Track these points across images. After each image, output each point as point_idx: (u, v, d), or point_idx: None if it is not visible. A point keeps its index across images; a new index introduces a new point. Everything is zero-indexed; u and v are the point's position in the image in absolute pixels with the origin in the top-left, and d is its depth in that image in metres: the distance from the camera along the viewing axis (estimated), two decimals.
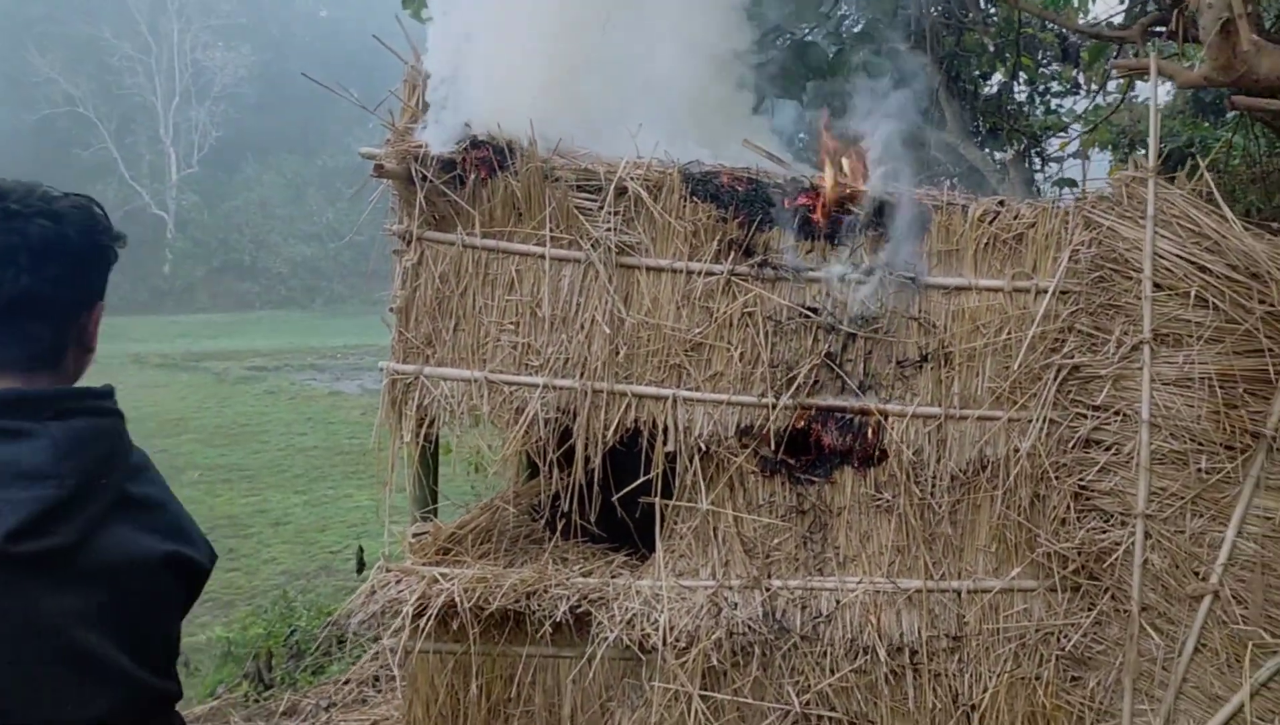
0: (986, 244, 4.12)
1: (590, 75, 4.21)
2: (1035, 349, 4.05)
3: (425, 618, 4.02)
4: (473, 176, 4.09)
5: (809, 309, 4.12)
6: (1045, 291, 4.06)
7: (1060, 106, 11.87)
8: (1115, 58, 8.72)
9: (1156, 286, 3.95)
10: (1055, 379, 4.04)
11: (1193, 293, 3.90)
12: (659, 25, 4.48)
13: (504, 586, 4.10)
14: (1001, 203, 4.15)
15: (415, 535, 4.39)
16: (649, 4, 4.49)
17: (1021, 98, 10.93)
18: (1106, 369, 3.98)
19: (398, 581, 4.18)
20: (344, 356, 26.86)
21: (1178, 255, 3.93)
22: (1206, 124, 10.72)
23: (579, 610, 4.09)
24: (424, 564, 4.26)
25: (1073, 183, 11.95)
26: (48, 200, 1.49)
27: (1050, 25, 8.18)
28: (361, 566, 8.73)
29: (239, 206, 43.62)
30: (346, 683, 6.23)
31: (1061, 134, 12.27)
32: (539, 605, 4.09)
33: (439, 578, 4.14)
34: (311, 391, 21.62)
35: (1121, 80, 7.78)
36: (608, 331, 4.14)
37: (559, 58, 4.15)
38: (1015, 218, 4.11)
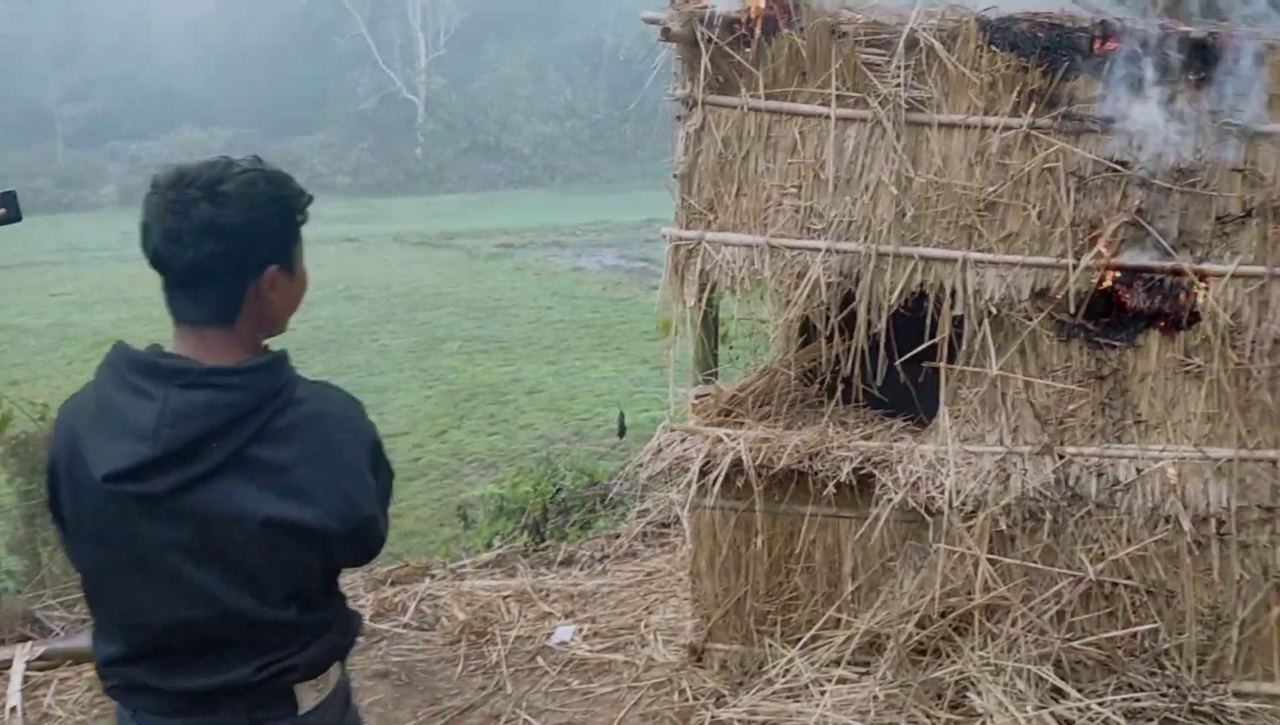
0: None
1: None
2: None
3: (712, 475, 4.15)
4: (758, 34, 4.02)
5: (1118, 163, 3.86)
6: None
7: None
8: None
9: None
10: None
11: None
12: None
13: (787, 447, 4.16)
14: None
15: (698, 397, 4.50)
16: None
17: None
18: None
19: (682, 441, 4.31)
20: (583, 233, 27.54)
21: None
22: None
23: (862, 472, 4.11)
24: (708, 424, 4.38)
25: None
26: (215, 182, 1.68)
27: None
28: (623, 431, 9.09)
29: (484, 88, 44.90)
30: (617, 537, 6.55)
31: None
32: (822, 466, 4.13)
33: (724, 438, 4.25)
34: (555, 267, 22.39)
35: None
36: (894, 192, 4.03)
37: None
38: None
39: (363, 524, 1.80)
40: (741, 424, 4.42)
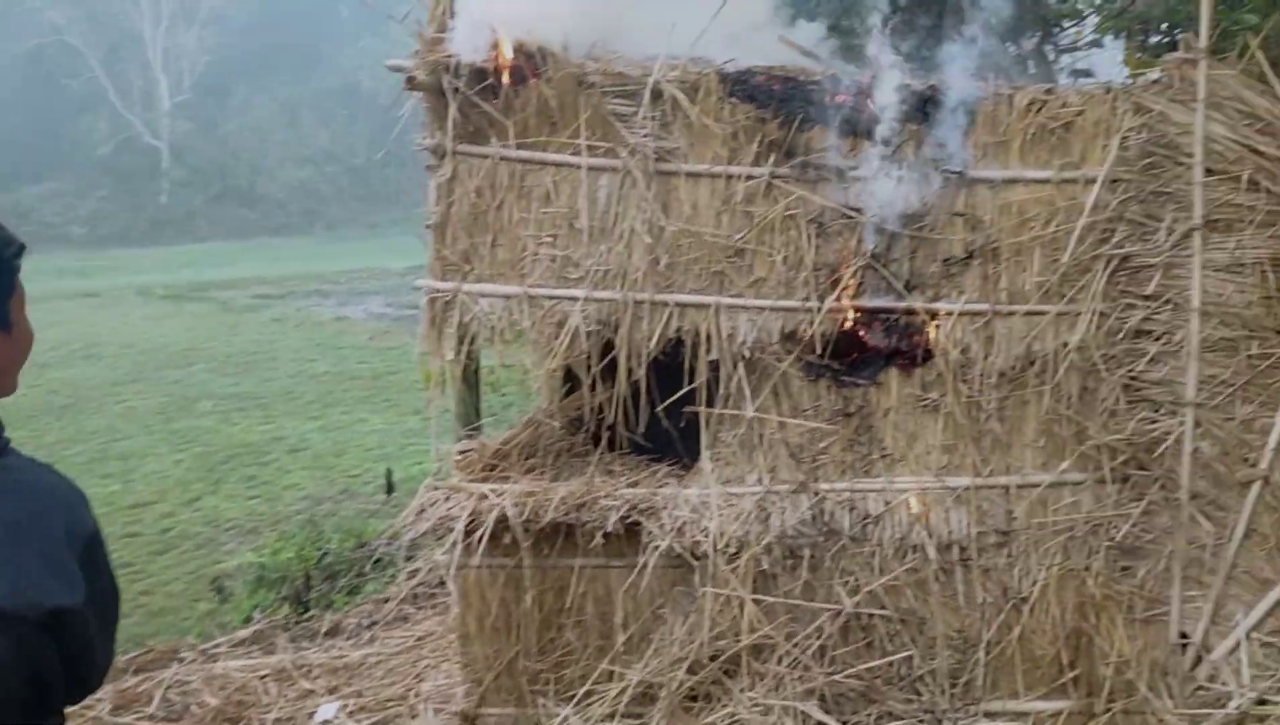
0: (1034, 134, 4.04)
1: None
2: (1084, 240, 3.99)
3: (478, 533, 4.04)
4: (506, 85, 3.98)
5: (852, 209, 4.05)
6: (1094, 181, 3.98)
7: None
8: None
9: (1208, 171, 3.87)
10: (1105, 270, 3.98)
11: (1245, 177, 3.83)
12: None
13: (553, 500, 4.10)
14: (1049, 90, 4.05)
15: (462, 453, 4.38)
16: None
17: None
18: (1157, 258, 3.93)
19: (447, 499, 4.18)
20: (347, 281, 26.72)
21: (1230, 138, 3.85)
22: (1223, 6, 10.48)
23: (629, 520, 4.10)
24: (472, 480, 4.26)
25: (1089, 73, 11.73)
26: None
27: None
28: (391, 488, 8.78)
29: (234, 132, 42.97)
30: (387, 601, 6.29)
31: (1077, 23, 11.99)
32: (589, 517, 4.10)
33: (489, 494, 4.14)
34: (318, 317, 21.55)
35: None
36: (648, 241, 4.08)
37: None
38: (1063, 106, 4.02)
39: (52, 617, 1.46)
40: (507, 478, 4.33)
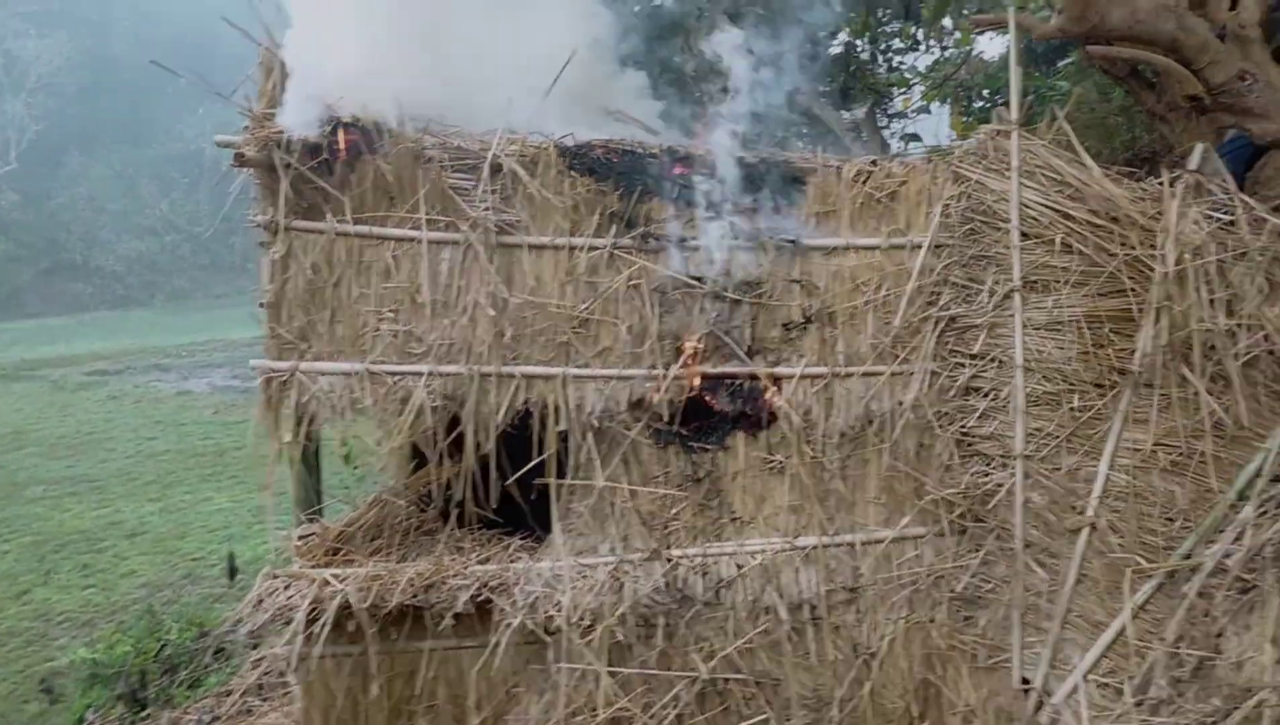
0: (862, 203, 4.19)
1: (458, 50, 4.07)
2: (914, 303, 4.15)
3: (320, 622, 3.88)
4: (341, 160, 3.91)
5: (694, 278, 4.12)
6: (920, 247, 4.15)
7: (902, 64, 12.22)
8: (960, 13, 8.99)
9: (1024, 235, 4.08)
10: (934, 331, 4.14)
11: (1058, 240, 4.04)
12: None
13: (400, 582, 3.98)
14: (874, 162, 4.23)
15: (302, 537, 4.22)
16: None
17: (865, 56, 11.18)
18: (981, 318, 4.11)
19: (286, 587, 4.01)
20: (190, 354, 25.68)
21: (1042, 204, 4.08)
22: (1039, 74, 11.18)
23: (479, 599, 4.01)
24: (313, 566, 4.10)
25: (918, 137, 12.34)
26: None
27: None
28: (234, 573, 8.38)
29: (65, 203, 41.05)
30: (229, 694, 5.98)
31: (905, 91, 12.62)
32: (438, 597, 3.99)
33: (331, 580, 3.99)
34: (158, 393, 20.61)
35: (960, 36, 8.02)
36: (491, 313, 4.04)
37: (425, 33, 4.00)
38: (887, 176, 4.19)
39: None
40: (351, 562, 4.19)
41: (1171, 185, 4.07)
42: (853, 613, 4.21)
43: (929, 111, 14.26)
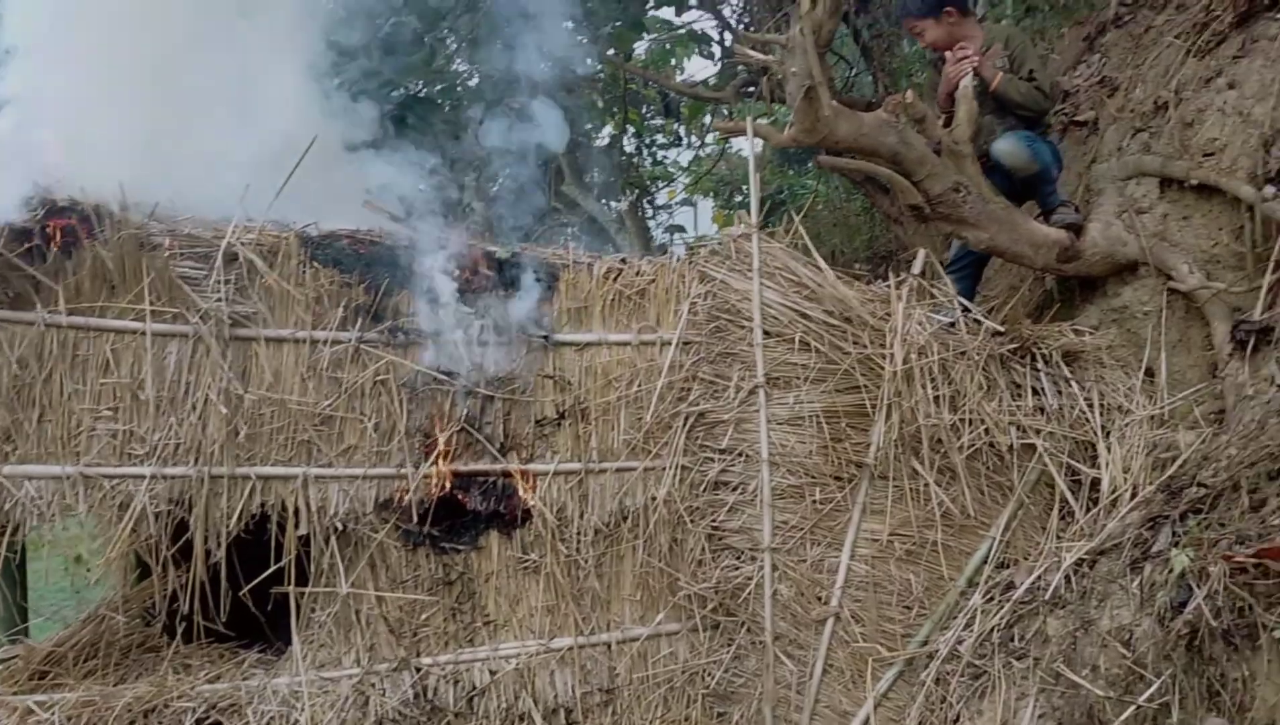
0: (613, 300, 4.24)
1: (191, 133, 3.87)
2: (664, 399, 4.20)
3: None
4: (55, 248, 3.61)
5: (444, 373, 4.02)
6: (669, 343, 4.22)
7: (666, 158, 12.70)
8: (712, 115, 9.43)
9: (766, 333, 4.22)
10: (684, 426, 4.20)
11: (797, 338, 4.21)
12: (267, 79, 4.22)
13: (116, 708, 3.62)
14: (624, 260, 4.29)
15: (2, 661, 3.77)
16: (253, 61, 4.22)
17: (630, 149, 11.56)
18: (728, 413, 4.20)
19: None
20: None
21: (782, 304, 4.24)
22: (792, 172, 11.87)
23: (207, 722, 3.69)
24: (15, 693, 3.67)
25: (681, 229, 12.80)
26: None
27: (652, 83, 8.68)
28: None
29: None
30: None
31: (668, 184, 13.10)
32: (160, 723, 3.64)
33: (35, 708, 3.58)
34: None
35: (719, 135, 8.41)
36: (224, 411, 3.80)
37: (157, 111, 3.78)
38: (637, 274, 4.26)
39: None
40: (61, 686, 3.77)
41: (898, 288, 4.33)
42: (609, 715, 4.13)
43: (692, 204, 14.84)
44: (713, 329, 4.26)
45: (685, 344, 4.25)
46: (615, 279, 4.23)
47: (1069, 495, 4.21)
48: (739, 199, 13.03)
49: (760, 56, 4.29)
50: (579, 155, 10.33)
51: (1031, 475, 4.28)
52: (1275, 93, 4.18)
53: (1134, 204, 4.50)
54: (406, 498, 3.98)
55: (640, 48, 10.25)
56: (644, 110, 11.27)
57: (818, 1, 3.94)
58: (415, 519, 4.00)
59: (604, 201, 10.73)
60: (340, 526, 3.95)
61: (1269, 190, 4.02)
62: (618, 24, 6.91)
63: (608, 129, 10.78)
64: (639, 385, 4.20)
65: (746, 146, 4.36)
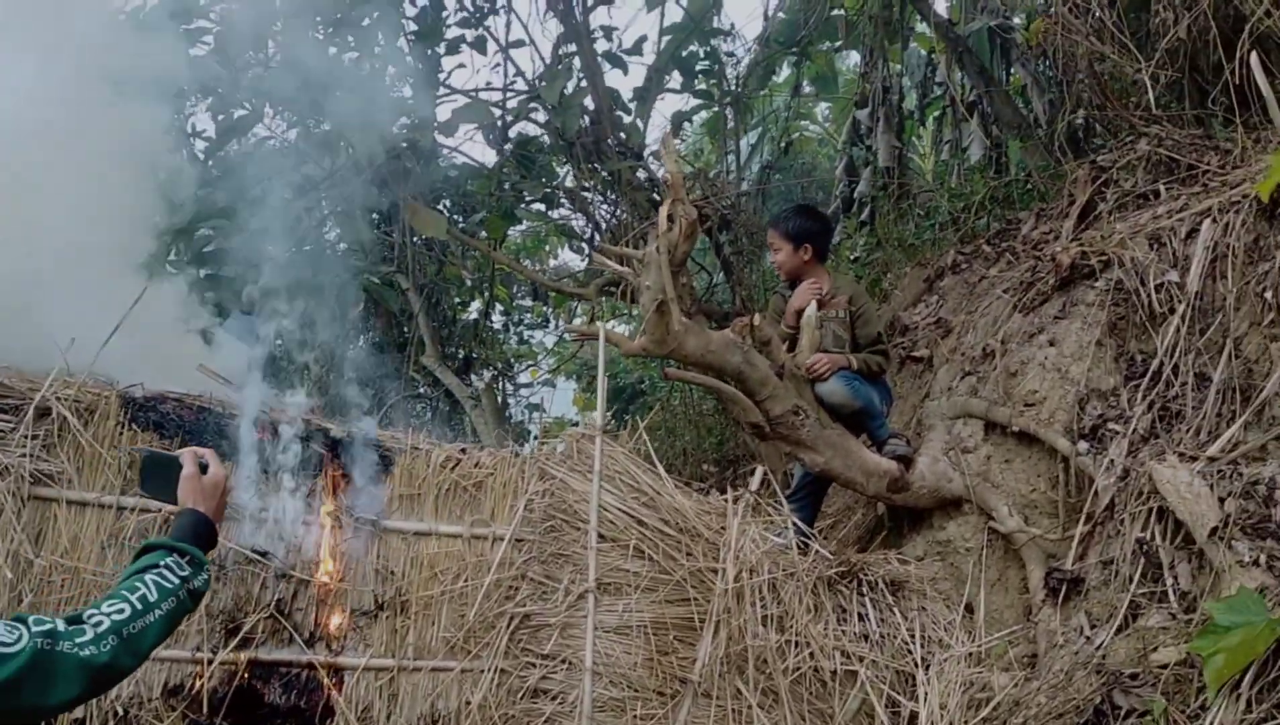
0: (448, 489, 4.14)
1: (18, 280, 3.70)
2: (491, 597, 4.06)
3: None
4: None
5: (258, 552, 3.81)
6: (502, 539, 4.12)
7: (532, 337, 12.78)
8: (577, 306, 9.60)
9: (601, 537, 4.18)
10: (508, 627, 4.06)
11: (631, 544, 4.17)
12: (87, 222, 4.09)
13: None
14: (464, 450, 4.22)
15: None
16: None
17: (498, 326, 11.61)
18: (555, 617, 4.09)
19: None
20: None
21: (619, 508, 4.22)
22: (653, 364, 12.08)
23: None
24: None
25: (540, 408, 12.77)
26: None
27: (516, 275, 8.82)
28: None
29: None
30: None
31: (532, 363, 13.16)
32: None
33: None
34: None
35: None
36: (9, 575, 3.50)
37: None
38: (476, 466, 4.19)
39: None
40: None
41: (734, 503, 4.37)
42: None
43: (553, 386, 14.92)
44: (547, 528, 4.19)
45: (518, 541, 4.16)
46: (453, 468, 4.15)
47: None
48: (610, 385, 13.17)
49: (617, 268, 4.41)
50: (442, 329, 10.32)
51: (853, 703, 4.26)
52: (1090, 354, 4.51)
53: (960, 443, 4.71)
54: (199, 685, 3.69)
55: (516, 230, 10.47)
56: (514, 289, 11.41)
57: (674, 223, 4.10)
58: (206, 709, 3.70)
59: (463, 378, 10.67)
60: (121, 711, 3.62)
61: (1082, 446, 4.27)
62: (491, 212, 7.06)
63: (475, 304, 10.85)
64: (465, 580, 4.07)
65: (598, 351, 4.40)
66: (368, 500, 3.98)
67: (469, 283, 10.01)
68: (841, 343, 4.80)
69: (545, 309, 11.99)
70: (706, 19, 7.94)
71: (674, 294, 4.14)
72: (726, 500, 4.40)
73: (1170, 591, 3.61)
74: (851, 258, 9.71)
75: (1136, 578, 3.75)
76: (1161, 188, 5.12)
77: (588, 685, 4.06)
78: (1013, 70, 9.55)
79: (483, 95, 6.86)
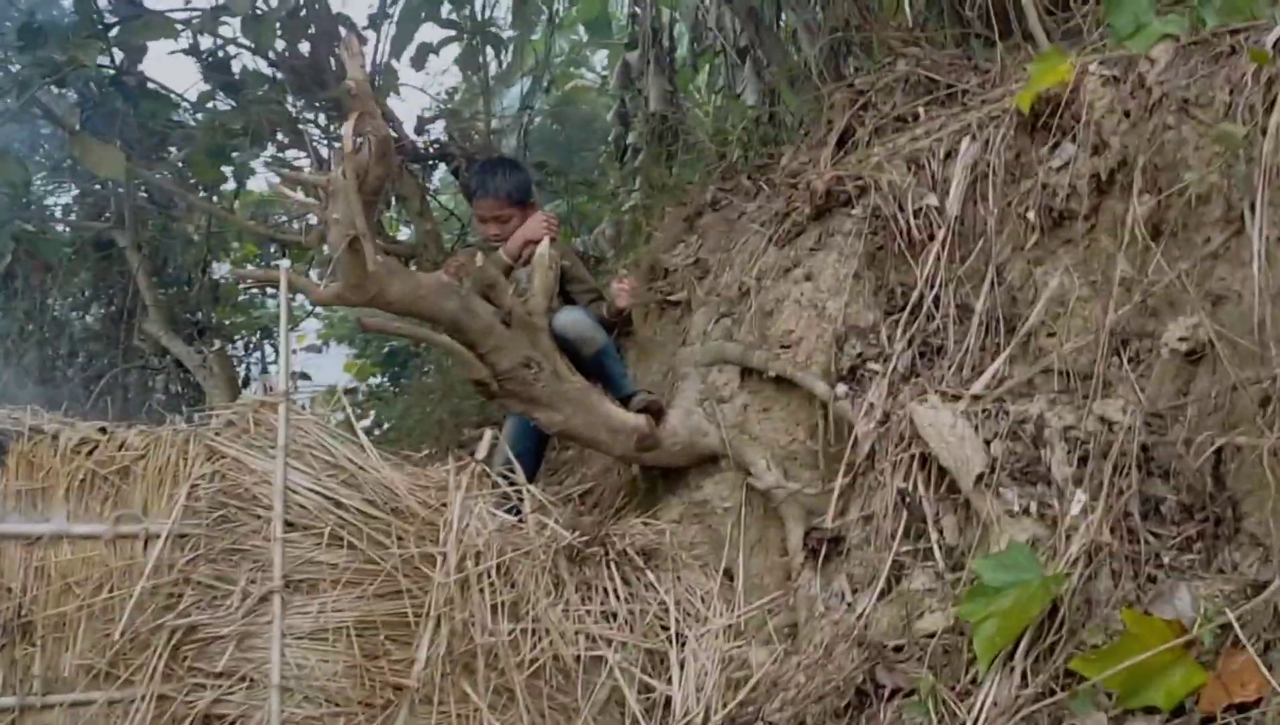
0: (84, 480, 3.31)
1: None
2: (144, 609, 3.28)
3: None
4: None
5: None
6: (158, 537, 3.34)
7: (297, 300, 11.66)
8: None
9: (289, 525, 3.46)
10: (167, 644, 3.29)
11: (327, 532, 3.48)
12: None
13: None
14: (103, 429, 3.39)
15: None
16: None
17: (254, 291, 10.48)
18: (229, 627, 3.35)
19: None
20: None
21: (312, 489, 3.50)
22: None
23: None
24: None
25: (307, 377, 11.73)
26: None
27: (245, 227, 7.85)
28: None
29: None
30: None
31: (296, 329, 12.06)
32: None
33: None
34: None
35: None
36: None
37: None
38: (121, 448, 3.37)
39: None
40: None
41: (458, 474, 3.74)
42: None
43: (320, 351, 13.77)
44: (217, 519, 3.42)
45: (179, 537, 3.37)
46: (89, 453, 3.32)
47: (640, 718, 3.69)
48: (386, 348, 12.21)
49: (301, 200, 3.66)
50: (170, 292, 9.19)
51: (600, 693, 3.73)
52: (848, 288, 4.09)
53: (716, 392, 4.23)
54: None
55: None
56: (268, 247, 10.32)
57: (361, 145, 3.37)
58: None
59: (199, 345, 9.57)
60: None
61: (840, 388, 3.85)
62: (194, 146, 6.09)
63: (224, 267, 9.73)
64: (110, 591, 3.26)
65: (280, 301, 3.64)
66: None
67: (195, 239, 8.92)
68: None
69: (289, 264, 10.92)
70: None
71: (366, 229, 3.43)
72: (448, 472, 3.75)
73: (935, 548, 3.23)
74: (624, 208, 9.21)
75: (899, 534, 3.35)
76: (921, 110, 4.76)
77: (275, 705, 3.35)
78: (783, 15, 9.28)
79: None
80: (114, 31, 5.53)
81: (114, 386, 8.62)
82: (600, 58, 14.81)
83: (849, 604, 3.39)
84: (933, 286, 3.91)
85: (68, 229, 7.97)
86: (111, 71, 5.78)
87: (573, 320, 4.09)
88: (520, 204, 4.48)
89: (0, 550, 3.17)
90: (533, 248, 4.19)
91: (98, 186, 7.81)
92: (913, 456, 3.45)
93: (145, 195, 8.10)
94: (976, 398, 3.49)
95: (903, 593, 3.25)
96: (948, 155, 4.21)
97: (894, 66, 5.18)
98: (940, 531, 3.30)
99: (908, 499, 3.36)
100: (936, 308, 3.87)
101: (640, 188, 9.14)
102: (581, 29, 12.14)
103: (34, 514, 3.25)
